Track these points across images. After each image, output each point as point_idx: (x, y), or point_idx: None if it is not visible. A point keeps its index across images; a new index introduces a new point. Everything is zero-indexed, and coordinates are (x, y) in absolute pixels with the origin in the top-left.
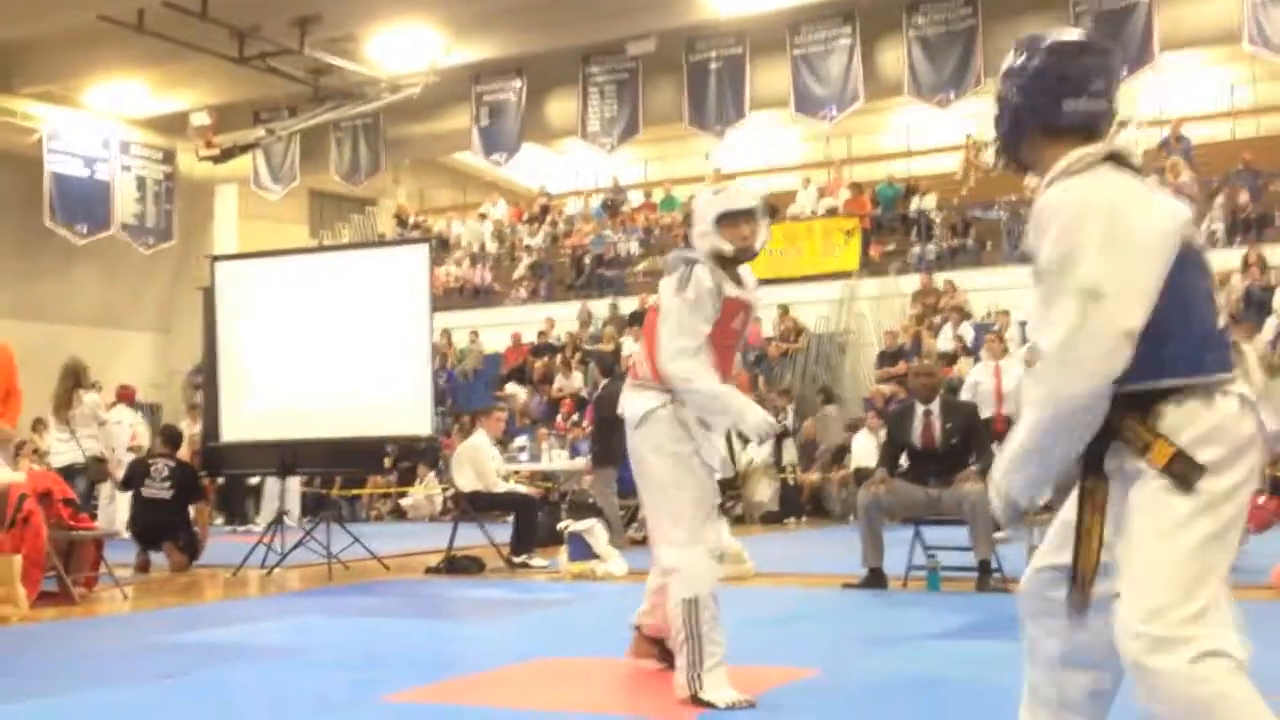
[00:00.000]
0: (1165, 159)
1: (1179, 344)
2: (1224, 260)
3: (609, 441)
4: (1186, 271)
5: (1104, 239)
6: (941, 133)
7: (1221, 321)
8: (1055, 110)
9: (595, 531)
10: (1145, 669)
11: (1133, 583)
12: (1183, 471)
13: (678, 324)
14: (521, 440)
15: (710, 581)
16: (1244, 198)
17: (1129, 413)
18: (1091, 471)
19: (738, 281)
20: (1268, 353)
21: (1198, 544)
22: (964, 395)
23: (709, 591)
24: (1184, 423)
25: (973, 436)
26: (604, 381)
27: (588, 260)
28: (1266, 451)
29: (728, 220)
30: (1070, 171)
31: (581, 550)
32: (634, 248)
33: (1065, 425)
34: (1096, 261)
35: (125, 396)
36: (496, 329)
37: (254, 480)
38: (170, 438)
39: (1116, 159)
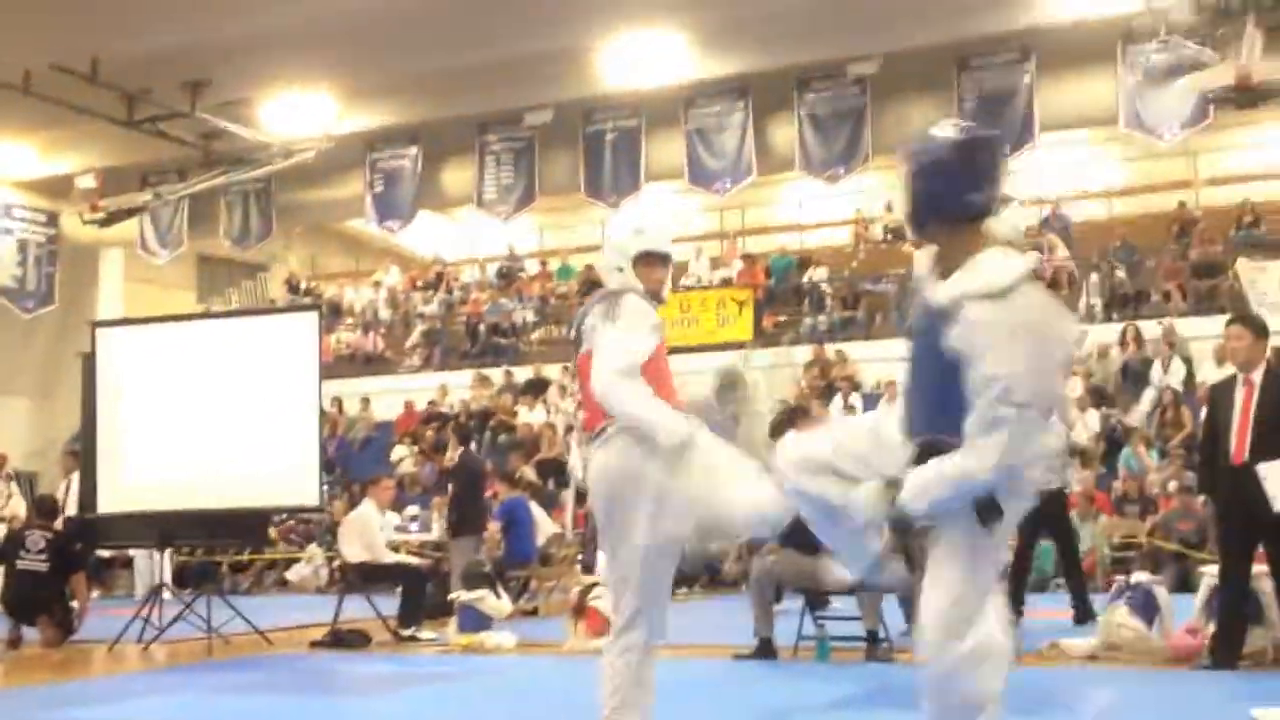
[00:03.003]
0: (1043, 236)
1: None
2: (1102, 334)
3: (467, 510)
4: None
5: (1031, 365)
6: (833, 207)
7: None
8: (958, 201)
9: (488, 601)
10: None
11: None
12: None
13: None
14: (413, 509)
15: None
16: (1121, 274)
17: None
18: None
19: None
20: (1144, 424)
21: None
22: None
23: None
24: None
25: None
26: (460, 450)
27: (483, 328)
28: None
29: (646, 260)
30: (996, 293)
31: (473, 621)
32: (529, 316)
33: (970, 492)
34: (1027, 384)
35: None
36: (389, 396)
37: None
38: (46, 508)
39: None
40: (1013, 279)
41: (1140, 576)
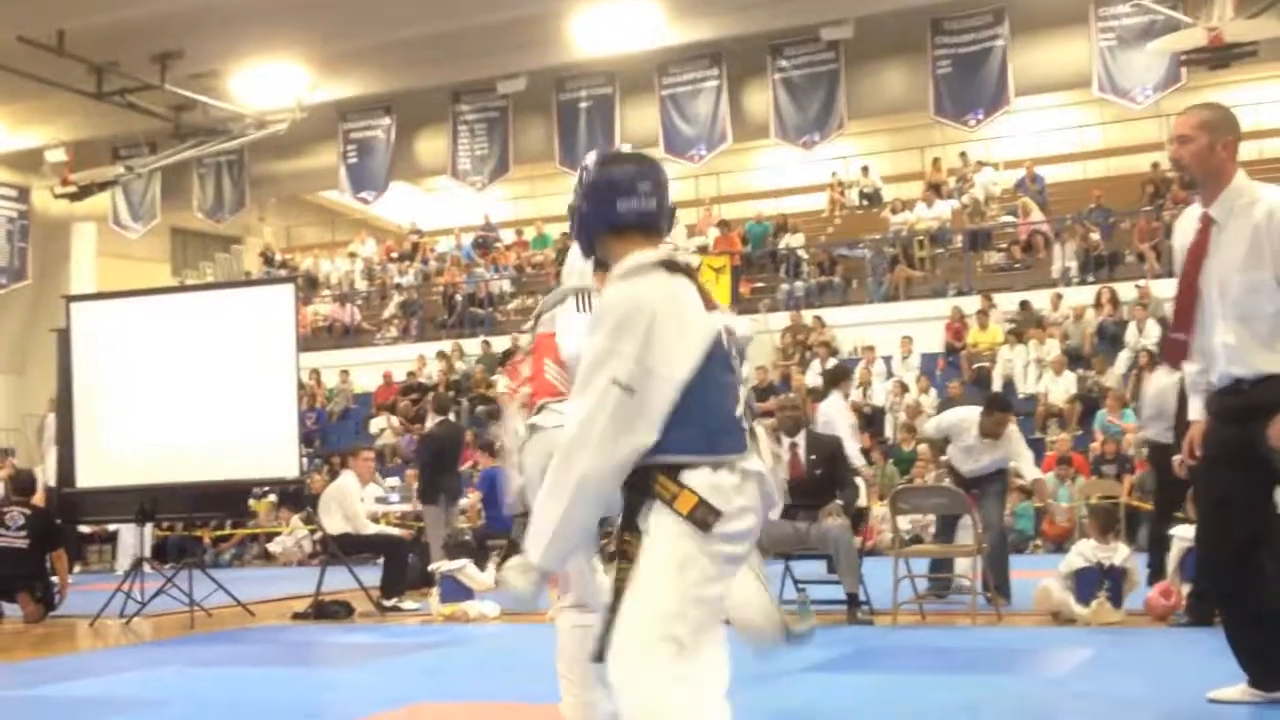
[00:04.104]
0: (1018, 199)
1: (699, 428)
2: (1077, 296)
3: (438, 478)
4: (711, 369)
5: (643, 340)
6: (808, 172)
7: (739, 410)
8: (612, 210)
9: (469, 571)
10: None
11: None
12: (702, 516)
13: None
14: (393, 481)
15: None
16: (1095, 236)
17: (661, 474)
18: (628, 528)
19: None
20: (1120, 385)
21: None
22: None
23: None
24: (700, 484)
25: (835, 468)
26: (438, 419)
27: (459, 298)
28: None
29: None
30: (627, 274)
31: (454, 591)
32: (506, 286)
33: (594, 498)
34: (630, 360)
35: None
36: (366, 368)
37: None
38: (24, 484)
39: (670, 266)
40: (633, 265)
41: (1097, 554)
